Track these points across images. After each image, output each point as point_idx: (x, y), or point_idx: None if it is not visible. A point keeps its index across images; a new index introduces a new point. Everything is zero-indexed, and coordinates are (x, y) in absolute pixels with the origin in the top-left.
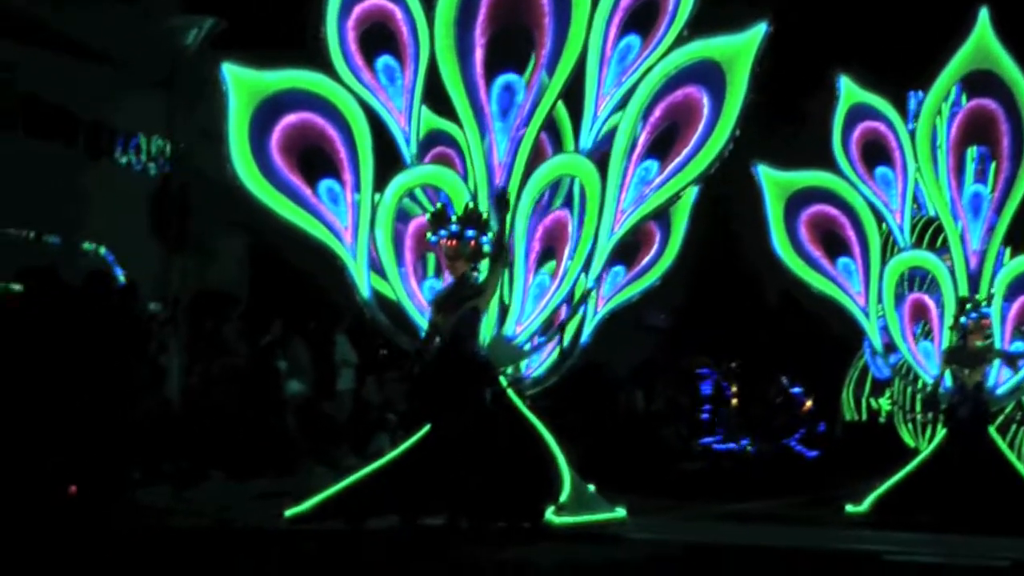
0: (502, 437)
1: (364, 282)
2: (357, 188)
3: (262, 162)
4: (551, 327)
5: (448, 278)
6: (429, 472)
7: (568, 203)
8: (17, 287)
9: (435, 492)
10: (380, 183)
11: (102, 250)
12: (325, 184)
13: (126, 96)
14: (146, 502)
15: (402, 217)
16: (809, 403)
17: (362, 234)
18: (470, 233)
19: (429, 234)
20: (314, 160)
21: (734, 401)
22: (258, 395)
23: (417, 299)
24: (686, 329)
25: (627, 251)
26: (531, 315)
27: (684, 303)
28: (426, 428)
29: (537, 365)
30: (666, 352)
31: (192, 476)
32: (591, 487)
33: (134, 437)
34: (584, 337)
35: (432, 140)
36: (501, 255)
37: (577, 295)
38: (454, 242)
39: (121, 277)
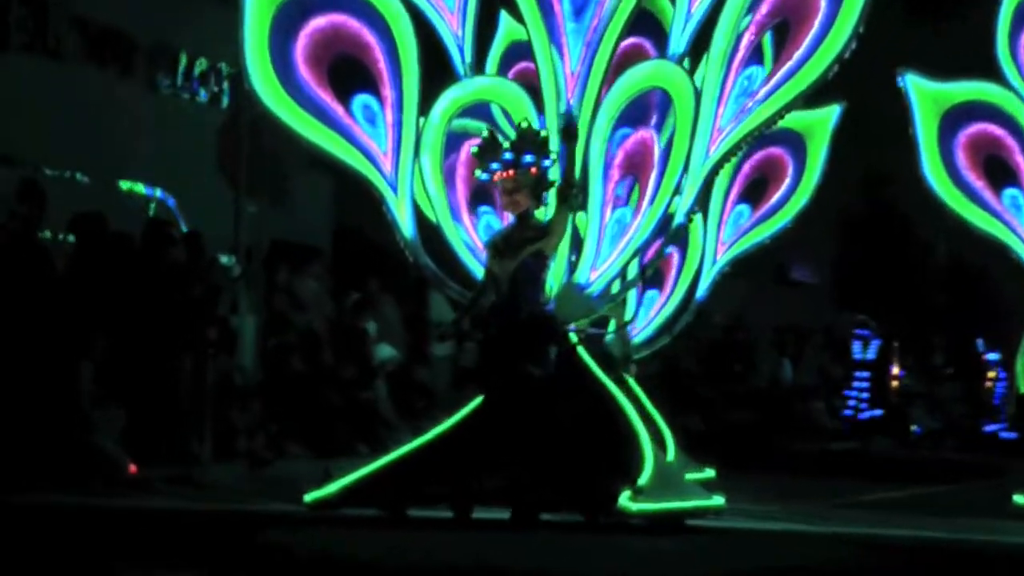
0: (569, 407)
1: (406, 219)
2: (399, 106)
3: (284, 73)
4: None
5: (507, 219)
6: (482, 450)
7: (658, 124)
8: (71, 238)
9: (489, 474)
10: (427, 101)
11: (161, 194)
12: (360, 101)
13: (191, 16)
14: (216, 481)
15: (454, 143)
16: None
17: (404, 161)
18: (528, 159)
19: (478, 171)
20: (347, 72)
21: (895, 370)
22: (344, 361)
23: (472, 240)
24: (839, 284)
25: (754, 188)
26: (608, 259)
27: (834, 252)
28: (479, 398)
29: (644, 324)
30: (815, 312)
31: (268, 453)
32: (709, 471)
33: (202, 409)
34: (700, 291)
35: (513, 54)
36: (570, 196)
37: (665, 235)
38: (510, 173)
39: (184, 226)
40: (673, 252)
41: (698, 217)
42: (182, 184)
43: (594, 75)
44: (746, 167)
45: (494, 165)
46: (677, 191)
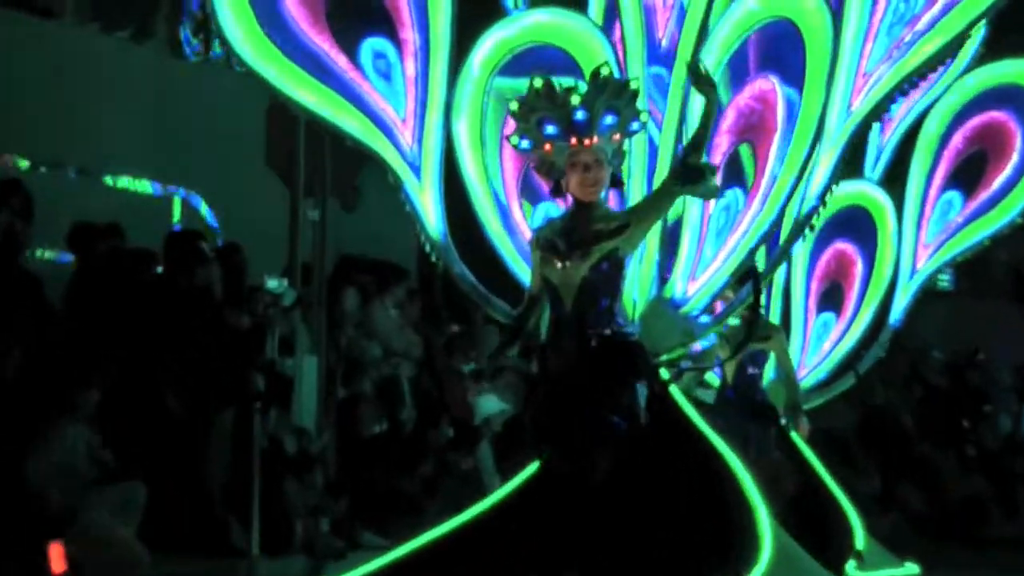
0: (660, 472)
1: (433, 212)
2: (425, 54)
3: (264, 8)
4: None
5: (567, 204)
6: (545, 531)
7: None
8: (69, 257)
9: (555, 561)
10: (463, 45)
11: (193, 195)
12: (369, 46)
13: None
14: None
15: (499, 106)
16: None
17: (431, 131)
18: (610, 119)
19: (519, 138)
20: (352, 6)
21: None
22: (437, 415)
23: (522, 238)
24: None
25: (969, 168)
26: (713, 262)
27: None
28: (536, 463)
29: (817, 359)
30: None
31: (336, 543)
32: (910, 567)
33: (246, 484)
34: (895, 313)
35: None
36: (694, 169)
37: (786, 224)
38: (588, 141)
39: (220, 238)
40: (854, 255)
41: (888, 208)
42: (218, 181)
43: (695, 3)
44: (957, 138)
45: (550, 129)
46: (809, 162)
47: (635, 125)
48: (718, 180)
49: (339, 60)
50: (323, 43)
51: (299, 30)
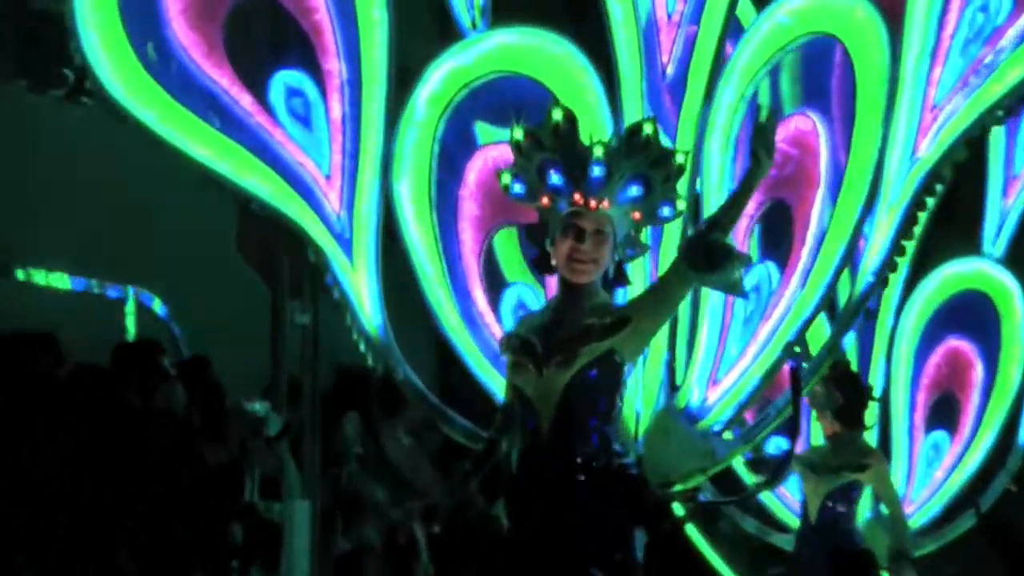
0: None
1: (370, 298)
2: (355, 91)
3: (144, 33)
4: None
5: (554, 290)
6: None
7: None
8: None
9: None
10: (405, 80)
11: (146, 294)
12: (281, 81)
13: None
14: None
15: (457, 156)
16: None
17: (364, 192)
18: (634, 192)
19: (510, 179)
20: (260, 32)
21: None
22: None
23: (488, 334)
24: None
25: None
26: (740, 361)
27: None
28: None
29: (929, 491)
30: None
31: None
32: None
33: None
34: None
35: None
36: (709, 245)
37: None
38: (592, 202)
39: (183, 349)
40: (972, 356)
41: (1015, 293)
42: (177, 275)
43: (709, 20)
44: None
45: (555, 177)
46: (862, 226)
47: (666, 210)
48: (744, 250)
49: (242, 100)
50: (221, 78)
51: (189, 61)
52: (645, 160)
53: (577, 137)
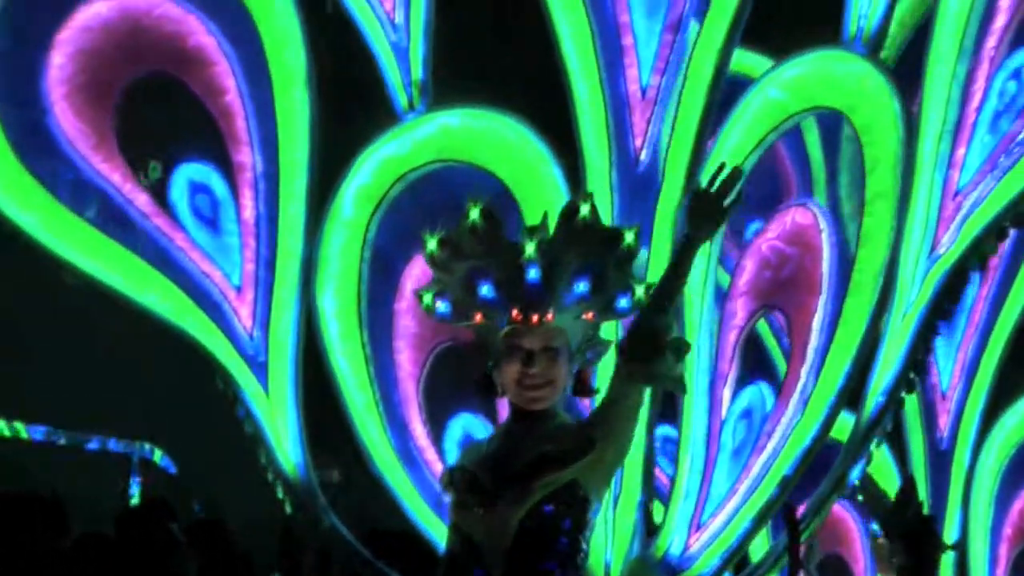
0: None
1: (290, 434)
2: (271, 186)
3: (21, 117)
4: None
5: (505, 412)
6: None
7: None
8: None
9: None
10: (329, 173)
11: (144, 450)
12: (185, 176)
13: None
14: None
15: (391, 263)
16: None
17: (281, 307)
18: (581, 288)
19: (433, 298)
20: (160, 119)
21: None
22: None
23: (428, 473)
24: None
25: None
26: (725, 502)
27: None
28: None
29: None
30: None
31: None
32: None
33: None
34: None
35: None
36: (664, 361)
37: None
38: (534, 316)
39: (196, 507)
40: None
41: None
42: (187, 430)
43: (690, 97)
44: None
45: (485, 289)
46: (872, 337)
47: (623, 302)
48: (731, 369)
49: (137, 199)
50: (112, 174)
51: (75, 154)
52: (588, 248)
53: (502, 236)
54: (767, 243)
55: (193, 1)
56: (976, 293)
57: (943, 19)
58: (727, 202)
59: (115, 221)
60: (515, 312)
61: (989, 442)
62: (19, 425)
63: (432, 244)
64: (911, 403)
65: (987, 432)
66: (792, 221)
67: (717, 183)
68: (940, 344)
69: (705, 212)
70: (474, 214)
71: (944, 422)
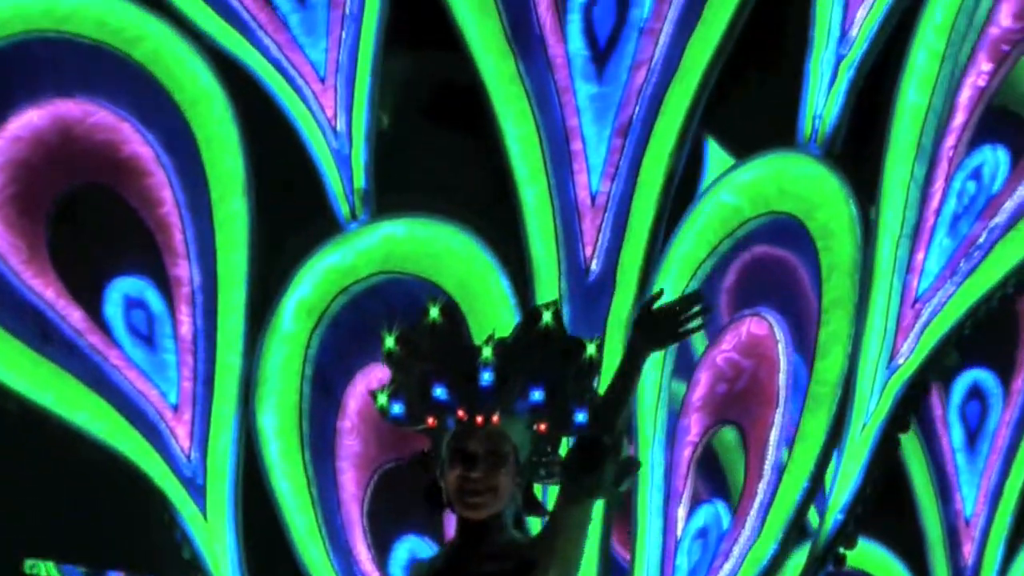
0: None
1: (230, 561)
2: (208, 300)
3: None
4: None
5: (453, 526)
6: None
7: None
8: None
9: None
10: (271, 284)
11: None
12: (119, 291)
13: None
14: None
15: (330, 379)
16: None
17: (219, 425)
18: (536, 397)
19: (389, 398)
20: (92, 232)
21: None
22: None
23: None
24: None
25: None
26: None
27: None
28: None
29: None
30: None
31: None
32: None
33: None
34: None
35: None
36: (612, 453)
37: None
38: (478, 418)
39: None
40: None
41: None
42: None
43: (640, 203)
44: None
45: (439, 391)
46: (830, 453)
47: (580, 416)
48: (686, 487)
49: (71, 315)
50: (45, 289)
51: (6, 269)
52: (547, 356)
53: (461, 338)
54: (722, 355)
55: (127, 108)
56: (999, 418)
57: (901, 116)
58: (683, 329)
59: (45, 337)
60: (461, 413)
61: (1014, 570)
62: None
63: (390, 342)
64: (934, 529)
65: (1012, 559)
66: (747, 332)
67: (678, 306)
68: (964, 469)
69: (656, 330)
70: (434, 312)
71: (968, 549)
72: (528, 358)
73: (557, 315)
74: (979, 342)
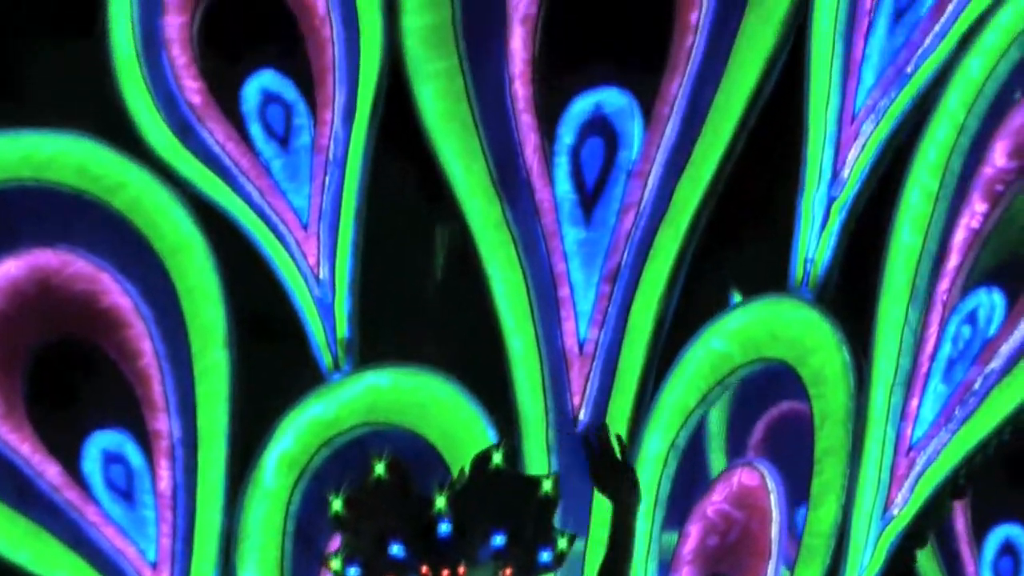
0: None
1: None
2: (187, 454)
3: None
4: None
5: None
6: None
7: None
8: None
9: None
10: (253, 435)
11: None
12: (97, 445)
13: None
14: None
15: (312, 535)
16: None
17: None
18: (498, 542)
19: (344, 564)
20: (72, 386)
21: None
22: None
23: None
24: None
25: None
26: None
27: None
28: None
29: None
30: None
31: None
32: None
33: None
34: None
35: None
36: None
37: None
38: (444, 571)
39: None
40: None
41: None
42: None
43: (631, 347)
44: None
45: (395, 548)
46: None
47: (544, 555)
48: None
49: (47, 471)
50: (21, 444)
51: None
52: (503, 499)
53: (412, 491)
54: (712, 507)
55: (107, 257)
56: None
57: (894, 258)
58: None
59: (21, 493)
60: (424, 569)
61: None
62: None
63: (337, 505)
64: None
65: None
66: (738, 482)
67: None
68: None
69: (606, 480)
70: (379, 469)
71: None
72: (484, 503)
73: (507, 456)
74: (1010, 496)
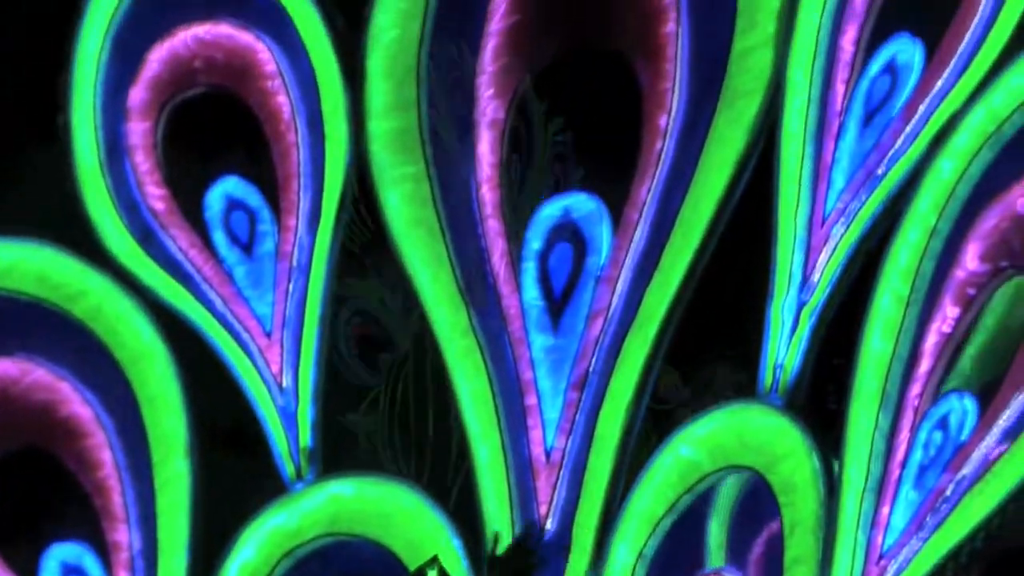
0: None
1: None
2: (150, 561)
3: None
4: None
5: None
6: None
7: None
8: None
9: None
10: (214, 545)
11: None
12: (56, 558)
13: None
14: None
15: None
16: None
17: None
18: None
19: None
20: (30, 499)
21: None
22: None
23: None
24: None
25: None
26: None
27: None
28: None
29: None
30: None
31: None
32: None
33: None
34: None
35: None
36: None
37: None
38: None
39: None
40: None
41: None
42: None
43: (599, 452)
44: None
45: None
46: None
47: None
48: None
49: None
50: None
51: None
52: None
53: None
54: None
55: (67, 366)
56: None
57: (865, 364)
58: None
59: None
60: None
61: None
62: None
63: None
64: None
65: None
66: None
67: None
68: None
69: None
70: None
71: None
72: None
73: (441, 571)
74: None
